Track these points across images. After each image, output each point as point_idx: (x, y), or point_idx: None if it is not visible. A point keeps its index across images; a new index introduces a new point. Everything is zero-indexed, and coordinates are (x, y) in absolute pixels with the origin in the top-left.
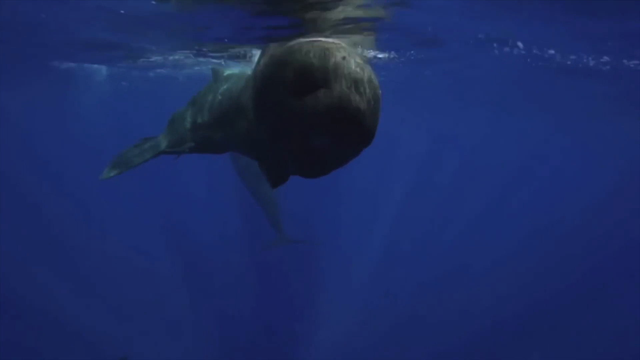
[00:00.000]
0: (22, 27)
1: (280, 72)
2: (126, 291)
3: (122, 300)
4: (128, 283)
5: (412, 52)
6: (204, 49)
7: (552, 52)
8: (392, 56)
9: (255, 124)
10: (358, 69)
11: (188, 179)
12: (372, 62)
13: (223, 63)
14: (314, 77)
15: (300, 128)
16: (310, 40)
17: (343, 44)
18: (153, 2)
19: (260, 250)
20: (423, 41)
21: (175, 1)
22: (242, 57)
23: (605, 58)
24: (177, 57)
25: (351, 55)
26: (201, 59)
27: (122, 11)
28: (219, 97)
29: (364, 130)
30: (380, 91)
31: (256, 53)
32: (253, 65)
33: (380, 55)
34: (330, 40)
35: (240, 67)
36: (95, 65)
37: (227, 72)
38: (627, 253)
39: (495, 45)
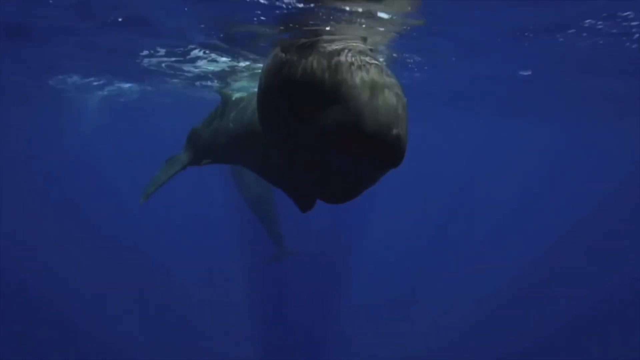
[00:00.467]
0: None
1: (284, 92)
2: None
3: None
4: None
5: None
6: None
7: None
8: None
9: (270, 148)
10: (377, 77)
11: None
12: (398, 64)
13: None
14: (325, 94)
15: (314, 150)
16: (313, 43)
17: (355, 46)
18: None
19: (262, 264)
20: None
21: None
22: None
23: None
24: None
25: (367, 62)
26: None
27: None
28: (231, 125)
29: (391, 148)
30: (405, 99)
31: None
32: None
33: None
34: (337, 40)
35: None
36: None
37: (236, 95)
38: None
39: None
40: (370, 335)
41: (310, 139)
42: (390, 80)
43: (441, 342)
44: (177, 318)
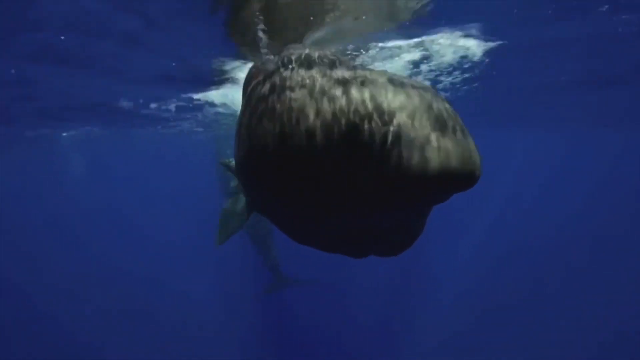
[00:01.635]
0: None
1: (315, 162)
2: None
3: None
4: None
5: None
6: None
7: None
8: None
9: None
10: (432, 102)
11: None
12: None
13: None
14: (363, 154)
15: (355, 216)
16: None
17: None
18: None
19: (263, 295)
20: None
21: None
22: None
23: None
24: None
25: (401, 84)
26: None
27: None
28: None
29: (473, 174)
30: (456, 115)
31: None
32: None
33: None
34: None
35: None
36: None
37: (233, 163)
38: None
39: None
40: None
41: (351, 204)
42: (437, 101)
43: None
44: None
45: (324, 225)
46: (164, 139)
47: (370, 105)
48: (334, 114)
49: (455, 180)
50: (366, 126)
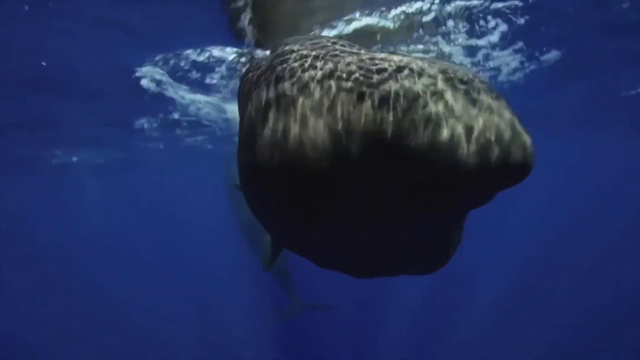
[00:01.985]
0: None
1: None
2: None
3: None
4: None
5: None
6: None
7: None
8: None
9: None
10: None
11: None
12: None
13: None
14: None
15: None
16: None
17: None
18: None
19: (278, 320)
20: None
21: None
22: None
23: None
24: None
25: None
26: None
27: None
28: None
29: (524, 167)
30: (508, 104)
31: None
32: None
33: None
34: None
35: None
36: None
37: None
38: None
39: None
40: None
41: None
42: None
43: None
44: None
45: (354, 247)
46: (178, 160)
47: (412, 91)
48: (356, 111)
49: (507, 171)
50: (404, 122)
